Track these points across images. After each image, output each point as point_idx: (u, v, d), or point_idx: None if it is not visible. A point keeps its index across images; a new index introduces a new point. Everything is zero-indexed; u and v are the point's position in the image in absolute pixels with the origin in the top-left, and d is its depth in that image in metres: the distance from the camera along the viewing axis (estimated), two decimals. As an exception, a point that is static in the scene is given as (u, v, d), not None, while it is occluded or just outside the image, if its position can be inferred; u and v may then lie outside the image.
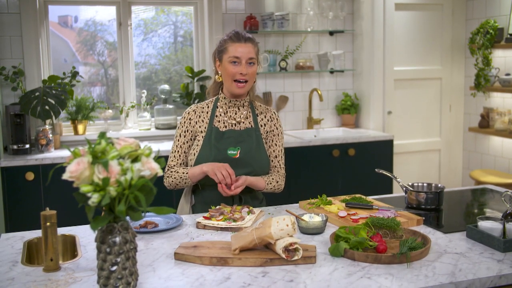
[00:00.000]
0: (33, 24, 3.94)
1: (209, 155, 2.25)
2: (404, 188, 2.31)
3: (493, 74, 4.45)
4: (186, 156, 2.34)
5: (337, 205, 2.19)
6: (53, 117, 3.82)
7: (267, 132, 2.37)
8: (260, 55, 2.31)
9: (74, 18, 4.33)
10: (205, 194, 2.32)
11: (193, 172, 2.24)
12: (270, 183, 2.32)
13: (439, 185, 2.33)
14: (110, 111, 4.18)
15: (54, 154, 3.68)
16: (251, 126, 2.33)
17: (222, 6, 4.37)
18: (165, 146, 3.89)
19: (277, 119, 2.41)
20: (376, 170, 2.48)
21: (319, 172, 4.10)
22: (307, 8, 4.58)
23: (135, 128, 4.35)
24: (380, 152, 4.29)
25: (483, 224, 1.82)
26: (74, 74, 3.98)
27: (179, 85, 4.49)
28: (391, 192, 4.26)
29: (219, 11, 4.35)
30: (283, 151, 2.41)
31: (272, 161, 2.38)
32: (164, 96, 4.35)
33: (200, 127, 2.32)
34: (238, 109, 2.34)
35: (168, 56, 4.56)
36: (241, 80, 2.24)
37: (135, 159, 1.32)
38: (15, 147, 3.68)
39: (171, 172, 2.31)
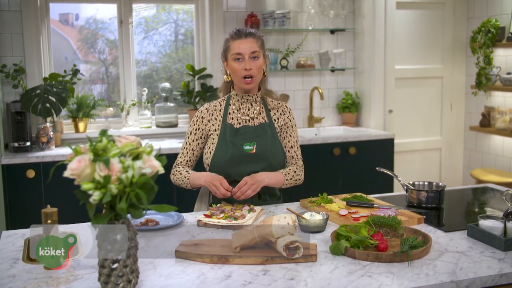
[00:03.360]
0: (34, 22, 3.93)
1: (225, 152, 2.26)
2: (405, 187, 2.30)
3: (494, 73, 4.45)
4: (193, 153, 2.35)
5: (338, 204, 2.19)
6: (54, 115, 3.82)
7: (281, 126, 2.37)
8: (266, 50, 2.31)
9: (75, 16, 4.33)
10: None
11: (193, 180, 2.25)
12: (288, 173, 2.30)
13: (440, 184, 2.33)
14: (111, 109, 4.18)
15: (55, 152, 3.68)
16: (265, 121, 2.34)
17: (223, 4, 4.36)
18: (166, 144, 3.89)
19: (289, 112, 2.42)
20: (377, 168, 2.48)
21: (320, 170, 4.10)
22: (308, 7, 4.57)
23: (136, 126, 4.34)
24: (381, 151, 4.29)
25: (484, 223, 1.82)
26: (75, 72, 3.98)
27: (180, 83, 4.49)
28: (392, 191, 4.26)
29: (220, 9, 4.35)
30: (298, 142, 2.41)
31: (288, 151, 2.37)
32: (165, 94, 4.35)
33: (213, 125, 2.33)
34: (251, 105, 2.35)
35: (169, 54, 4.56)
36: (247, 76, 2.25)
37: (136, 157, 1.32)
38: (16, 144, 3.68)
39: (176, 170, 2.33)
